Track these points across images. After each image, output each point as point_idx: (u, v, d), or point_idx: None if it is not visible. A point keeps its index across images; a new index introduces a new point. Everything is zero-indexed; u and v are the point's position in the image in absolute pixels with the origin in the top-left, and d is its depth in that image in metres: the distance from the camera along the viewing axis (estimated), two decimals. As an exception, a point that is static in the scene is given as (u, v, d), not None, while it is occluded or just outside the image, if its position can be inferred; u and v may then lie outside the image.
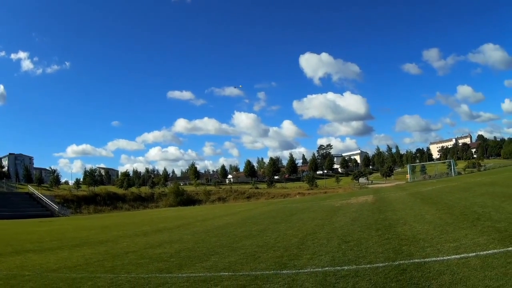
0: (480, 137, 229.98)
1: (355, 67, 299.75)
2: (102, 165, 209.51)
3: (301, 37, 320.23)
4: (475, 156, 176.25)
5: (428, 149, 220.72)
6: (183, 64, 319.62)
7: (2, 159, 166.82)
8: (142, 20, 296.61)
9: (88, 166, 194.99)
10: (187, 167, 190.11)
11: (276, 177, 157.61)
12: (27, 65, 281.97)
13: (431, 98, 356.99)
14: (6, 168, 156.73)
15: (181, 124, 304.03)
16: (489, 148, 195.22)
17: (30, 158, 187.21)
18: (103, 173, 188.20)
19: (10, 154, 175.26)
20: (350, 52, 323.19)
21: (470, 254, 8.11)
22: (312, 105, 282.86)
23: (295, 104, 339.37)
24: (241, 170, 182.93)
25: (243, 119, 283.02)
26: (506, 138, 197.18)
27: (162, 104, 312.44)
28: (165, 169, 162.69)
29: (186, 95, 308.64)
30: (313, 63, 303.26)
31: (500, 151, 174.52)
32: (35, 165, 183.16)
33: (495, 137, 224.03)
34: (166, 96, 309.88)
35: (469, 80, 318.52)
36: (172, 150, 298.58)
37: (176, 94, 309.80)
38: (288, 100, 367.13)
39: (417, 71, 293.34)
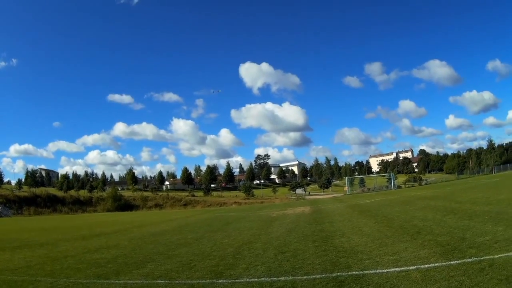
0: (422, 151, 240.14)
1: (295, 78, 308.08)
2: (43, 166, 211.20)
3: (242, 46, 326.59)
4: (416, 170, 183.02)
5: (368, 162, 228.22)
6: (123, 67, 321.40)
7: None
8: (85, 21, 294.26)
9: (30, 167, 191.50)
10: (125, 172, 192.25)
11: (213, 185, 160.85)
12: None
13: (372, 111, 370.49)
14: None
15: (120, 128, 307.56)
16: (432, 162, 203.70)
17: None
18: (44, 175, 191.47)
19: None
20: (290, 63, 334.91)
21: (411, 267, 8.24)
22: (250, 114, 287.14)
23: (233, 112, 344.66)
24: (178, 177, 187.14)
25: (181, 126, 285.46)
26: (449, 153, 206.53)
27: (102, 107, 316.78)
28: (103, 173, 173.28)
29: (126, 99, 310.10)
30: (253, 73, 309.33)
31: (443, 166, 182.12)
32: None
33: (437, 152, 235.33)
34: (107, 99, 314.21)
35: (412, 95, 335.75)
36: (111, 154, 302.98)
37: (116, 97, 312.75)
38: (227, 108, 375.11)
39: (359, 85, 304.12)
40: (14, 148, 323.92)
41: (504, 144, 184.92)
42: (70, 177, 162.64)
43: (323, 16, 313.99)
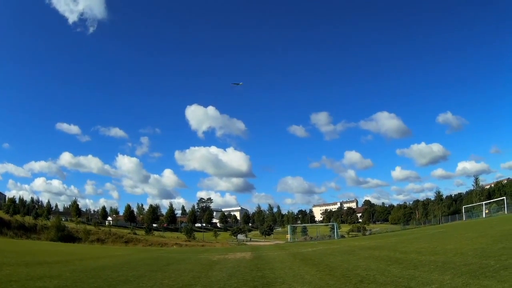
0: (367, 202, 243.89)
1: (241, 124, 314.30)
2: None
3: (189, 88, 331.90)
4: (360, 220, 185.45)
5: (311, 211, 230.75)
6: (72, 97, 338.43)
7: None
8: (38, 48, 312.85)
9: None
10: (70, 203, 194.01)
11: (154, 225, 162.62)
12: None
13: (317, 161, 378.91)
14: None
15: (66, 158, 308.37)
16: (376, 213, 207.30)
17: None
18: None
19: None
20: (236, 108, 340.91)
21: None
22: (194, 157, 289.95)
23: (177, 154, 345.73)
24: (121, 213, 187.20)
25: (125, 162, 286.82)
26: (395, 204, 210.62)
27: (50, 135, 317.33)
28: (48, 202, 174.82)
29: (74, 129, 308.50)
30: (199, 115, 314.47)
31: (388, 217, 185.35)
32: None
33: (383, 203, 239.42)
34: (55, 127, 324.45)
35: (358, 146, 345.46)
36: (56, 184, 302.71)
37: (64, 126, 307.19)
38: (171, 149, 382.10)
39: (304, 134, 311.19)
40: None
41: (452, 195, 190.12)
42: (17, 202, 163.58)
43: (270, 62, 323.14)
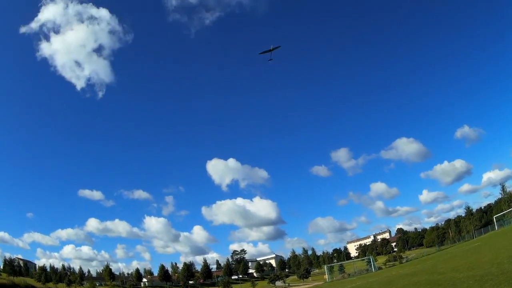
0: (400, 230, 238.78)
1: (263, 172, 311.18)
2: (20, 256, 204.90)
3: (208, 143, 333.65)
4: (395, 249, 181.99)
5: (346, 248, 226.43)
6: (92, 163, 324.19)
7: None
8: (56, 115, 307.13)
9: (7, 255, 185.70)
10: (102, 268, 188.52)
11: (190, 282, 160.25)
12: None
13: (344, 198, 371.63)
14: None
15: (92, 224, 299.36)
16: (410, 239, 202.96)
17: None
18: (22, 264, 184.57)
19: None
20: (257, 157, 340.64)
21: None
22: (221, 211, 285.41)
23: (204, 210, 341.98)
24: (155, 274, 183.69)
25: (153, 223, 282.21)
26: (427, 227, 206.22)
27: (73, 202, 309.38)
28: (80, 268, 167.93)
29: (96, 195, 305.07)
30: (220, 169, 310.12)
31: (423, 241, 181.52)
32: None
33: (415, 228, 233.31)
34: (77, 194, 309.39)
35: (382, 176, 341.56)
36: (86, 250, 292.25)
37: (86, 192, 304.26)
38: (197, 205, 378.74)
39: (327, 173, 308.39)
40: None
41: (482, 207, 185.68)
42: (48, 269, 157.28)
43: (280, 108, 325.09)
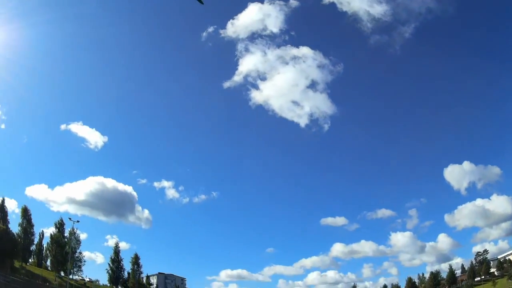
0: None
1: (496, 169, 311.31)
2: None
3: (441, 151, 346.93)
4: None
5: None
6: (333, 193, 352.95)
7: (151, 277, 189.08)
8: (288, 158, 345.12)
9: None
10: None
11: None
12: (172, 193, 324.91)
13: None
14: (155, 286, 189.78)
15: (337, 249, 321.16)
16: None
17: (183, 279, 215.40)
18: None
19: (159, 273, 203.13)
20: (488, 155, 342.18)
21: None
22: (463, 215, 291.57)
23: (447, 217, 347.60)
24: (402, 287, 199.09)
25: (399, 239, 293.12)
26: None
27: (317, 231, 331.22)
28: None
29: (339, 221, 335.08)
30: (457, 174, 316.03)
31: None
32: (187, 286, 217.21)
33: None
34: (320, 223, 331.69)
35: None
36: (331, 274, 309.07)
37: (329, 220, 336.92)
38: (440, 213, 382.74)
39: None
40: (225, 273, 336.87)
41: None
42: None
43: None
